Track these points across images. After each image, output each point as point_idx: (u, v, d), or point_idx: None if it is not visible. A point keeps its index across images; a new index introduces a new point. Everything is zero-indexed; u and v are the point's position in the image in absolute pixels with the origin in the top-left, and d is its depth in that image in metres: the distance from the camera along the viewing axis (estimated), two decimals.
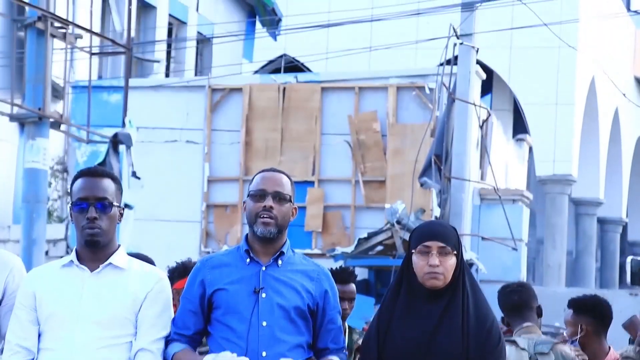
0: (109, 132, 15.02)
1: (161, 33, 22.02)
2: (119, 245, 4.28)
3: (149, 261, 5.74)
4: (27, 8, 13.25)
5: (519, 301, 5.31)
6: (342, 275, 5.59)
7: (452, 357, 4.07)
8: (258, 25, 23.84)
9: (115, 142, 14.37)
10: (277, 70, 22.46)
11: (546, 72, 22.43)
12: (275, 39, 23.04)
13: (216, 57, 24.34)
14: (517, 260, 18.08)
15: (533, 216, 23.71)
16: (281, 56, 23.20)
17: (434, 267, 4.13)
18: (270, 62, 24.35)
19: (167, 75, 23.80)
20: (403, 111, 18.56)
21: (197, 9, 22.84)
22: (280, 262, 4.28)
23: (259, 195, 4.27)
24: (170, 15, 22.35)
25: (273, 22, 22.63)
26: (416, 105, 18.47)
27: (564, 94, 22.42)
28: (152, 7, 21.69)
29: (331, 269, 5.08)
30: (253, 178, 4.38)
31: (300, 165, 18.91)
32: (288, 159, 18.92)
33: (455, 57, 14.41)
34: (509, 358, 5.02)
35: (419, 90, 18.42)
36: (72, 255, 4.24)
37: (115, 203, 4.20)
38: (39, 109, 12.67)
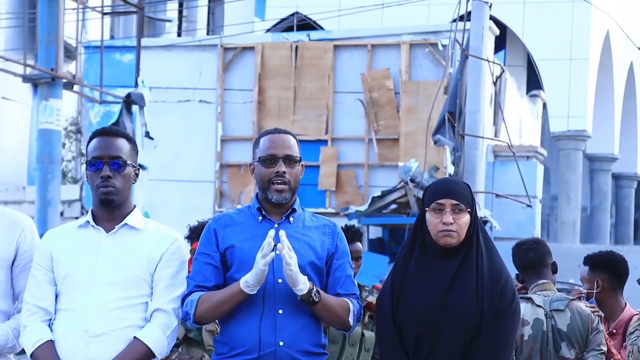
0: (122, 92, 15.03)
1: None
2: (135, 206, 4.29)
3: None
4: None
5: (534, 258, 5.30)
6: (347, 234, 5.60)
7: (466, 315, 4.08)
8: None
9: (128, 102, 14.38)
10: (289, 29, 22.36)
11: (560, 27, 22.27)
12: None
13: (228, 16, 24.27)
14: (531, 217, 18.09)
15: (547, 173, 23.69)
16: (293, 14, 23.10)
17: (447, 224, 4.12)
18: (283, 20, 24.25)
19: (179, 34, 23.76)
20: (416, 68, 18.49)
21: None
22: (291, 219, 4.28)
23: (269, 161, 4.24)
24: None
25: None
26: (429, 62, 18.39)
27: (578, 48, 22.28)
28: None
29: None
30: (258, 140, 4.32)
31: (313, 124, 18.89)
32: (301, 117, 18.90)
33: (468, 13, 14.31)
34: (524, 315, 5.04)
35: (431, 47, 18.33)
36: (88, 216, 4.25)
37: (129, 162, 4.20)
38: (52, 70, 12.69)
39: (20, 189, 18.51)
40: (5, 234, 4.30)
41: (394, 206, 16.98)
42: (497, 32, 18.64)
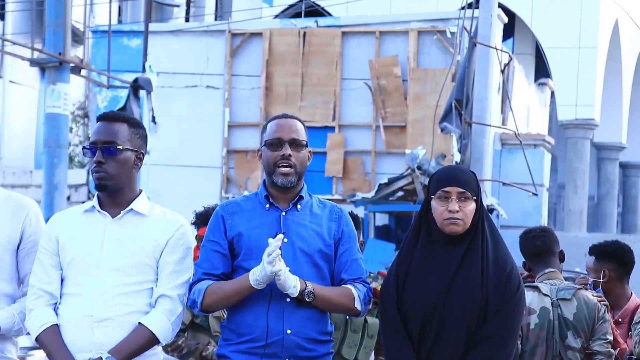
0: (130, 77, 15.02)
1: None
2: (141, 191, 4.27)
3: None
4: None
5: (541, 246, 5.28)
6: None
7: (471, 304, 4.07)
8: None
9: (135, 87, 14.38)
10: (297, 15, 22.34)
11: (569, 15, 22.20)
12: None
13: (236, 2, 24.22)
14: (538, 206, 18.08)
15: (554, 161, 23.67)
16: (301, 0, 23.05)
17: (453, 212, 4.11)
18: (291, 6, 24.22)
19: (187, 19, 23.74)
20: (424, 56, 18.46)
21: None
22: (299, 206, 4.28)
23: (275, 144, 4.24)
24: None
25: None
26: (437, 49, 18.36)
27: (587, 37, 22.21)
28: None
29: None
30: (266, 125, 4.34)
31: (320, 110, 18.88)
32: (308, 104, 18.88)
33: (477, 1, 14.27)
34: (531, 304, 5.03)
35: (440, 34, 18.29)
36: (94, 201, 4.24)
37: (126, 147, 4.16)
38: (60, 54, 12.68)
39: (27, 172, 18.54)
40: (11, 217, 4.29)
41: (400, 193, 16.97)
42: (506, 19, 18.58)
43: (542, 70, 24.23)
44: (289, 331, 4.13)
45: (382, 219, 17.71)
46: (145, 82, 14.44)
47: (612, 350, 5.13)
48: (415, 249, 4.20)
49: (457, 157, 14.61)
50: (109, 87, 15.97)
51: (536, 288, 5.13)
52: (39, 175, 15.41)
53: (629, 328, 5.61)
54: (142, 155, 4.25)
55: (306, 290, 4.11)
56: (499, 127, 17.41)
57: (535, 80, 23.52)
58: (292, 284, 4.08)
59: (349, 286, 4.23)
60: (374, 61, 18.54)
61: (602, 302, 5.18)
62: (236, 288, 4.14)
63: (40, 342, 4.12)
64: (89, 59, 16.99)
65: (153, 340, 4.12)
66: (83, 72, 14.16)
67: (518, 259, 5.23)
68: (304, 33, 18.86)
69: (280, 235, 4.08)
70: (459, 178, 4.17)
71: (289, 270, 4.13)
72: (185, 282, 4.22)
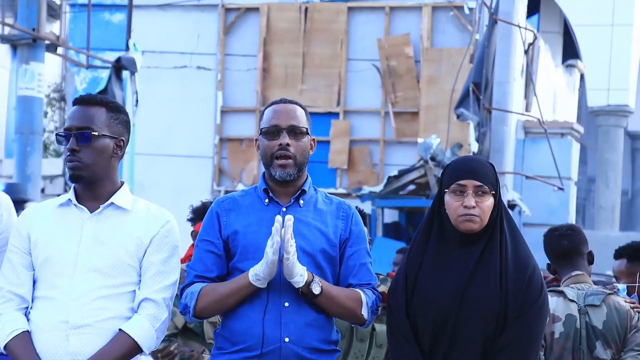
0: (111, 56, 15.03)
1: None
2: (122, 183, 4.27)
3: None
4: None
5: (568, 246, 5.28)
6: None
7: (488, 309, 4.08)
8: None
9: (118, 67, 14.38)
10: None
11: None
12: None
13: None
14: (565, 201, 18.07)
15: (584, 152, 23.66)
16: None
17: (469, 208, 4.11)
18: None
19: None
20: (439, 34, 18.45)
21: None
22: (301, 201, 4.29)
23: (272, 132, 4.25)
24: None
25: None
26: (454, 27, 18.35)
27: (621, 13, 22.19)
28: None
29: None
30: (263, 112, 4.35)
31: (323, 94, 18.88)
32: (310, 87, 18.89)
33: None
34: (555, 311, 5.03)
35: (456, 10, 18.29)
36: (70, 194, 4.24)
37: (103, 133, 4.16)
38: (33, 30, 12.68)
39: None
40: None
41: (412, 187, 16.98)
42: None
43: (570, 51, 24.20)
44: (287, 339, 4.14)
45: (391, 215, 17.72)
46: (129, 61, 14.45)
47: None
48: (426, 248, 4.20)
49: (475, 147, 14.61)
50: (89, 67, 15.96)
51: (561, 293, 5.14)
52: (10, 164, 15.42)
53: None
54: (122, 143, 4.24)
55: (314, 281, 4.11)
56: (522, 114, 17.41)
57: (563, 62, 23.50)
58: (299, 272, 4.08)
59: (358, 290, 4.24)
60: (383, 40, 18.54)
61: (635, 309, 5.18)
62: (233, 288, 4.15)
63: (9, 351, 4.11)
64: (66, 35, 16.99)
65: (135, 349, 4.12)
66: (59, 50, 14.17)
67: (542, 260, 5.23)
68: (306, 8, 18.86)
69: (279, 217, 4.05)
70: (476, 170, 4.17)
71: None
72: (172, 284, 4.22)
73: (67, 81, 20.40)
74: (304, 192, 4.29)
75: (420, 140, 17.11)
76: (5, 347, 4.13)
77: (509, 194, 14.71)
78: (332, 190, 17.89)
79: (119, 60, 14.48)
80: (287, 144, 4.23)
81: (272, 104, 4.35)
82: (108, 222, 4.19)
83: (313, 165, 4.49)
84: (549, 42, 22.33)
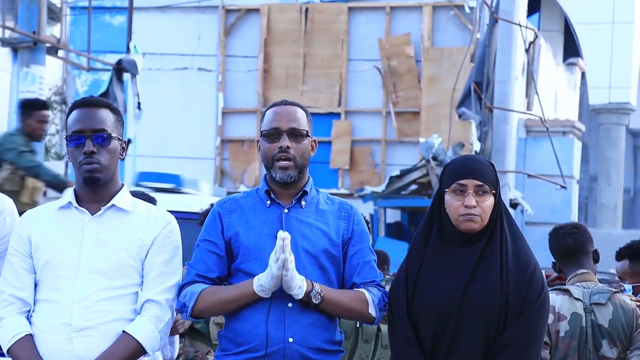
0: (112, 58, 15.01)
1: None
2: (123, 185, 4.27)
3: (151, 201, 5.74)
4: None
5: (573, 244, 5.27)
6: None
7: (489, 308, 4.08)
8: None
9: (118, 69, 14.36)
10: None
11: None
12: None
13: None
14: (567, 200, 18.06)
15: (585, 150, 23.65)
16: None
17: (470, 207, 4.12)
18: None
19: None
20: (439, 33, 18.45)
21: None
22: (303, 203, 4.30)
23: (272, 135, 4.26)
24: None
25: None
26: (454, 26, 18.34)
27: (622, 11, 22.17)
28: None
29: None
30: (264, 113, 4.36)
31: (324, 95, 18.88)
32: (311, 88, 18.88)
33: None
34: (561, 309, 5.02)
35: (457, 9, 18.27)
36: (71, 196, 4.24)
37: (115, 135, 4.18)
38: (34, 33, 12.66)
39: None
40: None
41: (414, 187, 16.97)
42: None
43: (571, 49, 24.20)
44: (290, 339, 4.15)
45: (393, 215, 17.71)
46: (130, 64, 14.43)
47: None
48: (426, 248, 4.20)
49: (477, 146, 14.59)
50: (89, 70, 15.95)
51: (567, 291, 5.12)
52: None
53: None
54: (125, 145, 4.27)
55: (313, 291, 4.12)
56: (524, 113, 17.40)
57: (564, 60, 23.49)
58: (298, 284, 4.09)
59: (362, 290, 4.25)
60: (384, 40, 18.53)
61: None
62: (235, 294, 4.16)
63: (12, 355, 4.11)
64: (66, 38, 16.97)
65: (139, 351, 4.12)
66: (60, 53, 14.15)
67: (547, 258, 5.21)
68: (306, 9, 18.85)
69: (281, 234, 4.06)
70: (476, 169, 4.17)
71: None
72: (174, 285, 4.22)
73: (68, 84, 20.39)
74: (305, 193, 4.31)
75: (421, 139, 17.10)
76: (8, 351, 4.13)
77: (511, 193, 14.69)
78: (334, 190, 17.88)
79: (119, 62, 14.46)
80: (288, 147, 4.24)
81: (273, 105, 4.36)
82: (109, 224, 4.19)
83: (315, 166, 4.48)
84: (550, 40, 22.33)
